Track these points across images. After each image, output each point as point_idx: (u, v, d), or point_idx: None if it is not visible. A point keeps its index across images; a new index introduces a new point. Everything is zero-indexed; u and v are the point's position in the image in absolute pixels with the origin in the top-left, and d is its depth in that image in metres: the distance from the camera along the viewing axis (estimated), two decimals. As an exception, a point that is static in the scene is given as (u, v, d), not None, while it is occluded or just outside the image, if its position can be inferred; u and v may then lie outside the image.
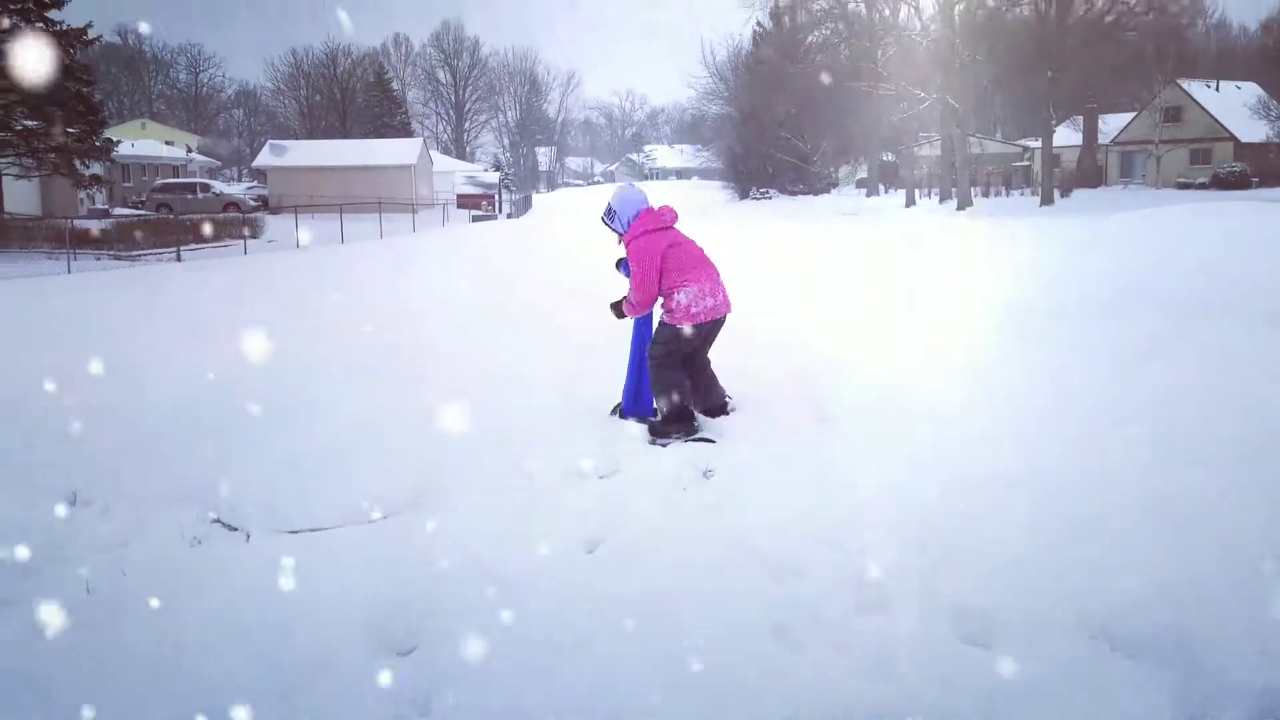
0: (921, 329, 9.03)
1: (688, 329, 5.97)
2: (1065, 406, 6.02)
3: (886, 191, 58.14)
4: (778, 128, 59.67)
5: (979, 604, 3.75)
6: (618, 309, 6.31)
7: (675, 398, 5.95)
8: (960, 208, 40.26)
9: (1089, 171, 51.64)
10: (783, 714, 3.20)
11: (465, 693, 3.35)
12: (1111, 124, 55.66)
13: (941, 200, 46.31)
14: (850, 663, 3.45)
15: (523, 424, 6.30)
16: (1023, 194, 49.24)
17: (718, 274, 6.19)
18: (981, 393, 6.50)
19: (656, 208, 6.19)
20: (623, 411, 6.45)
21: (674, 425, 5.99)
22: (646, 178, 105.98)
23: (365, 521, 5.00)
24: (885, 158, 60.23)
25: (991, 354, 7.59)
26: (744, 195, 64.38)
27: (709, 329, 6.10)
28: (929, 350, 7.98)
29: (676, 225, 6.22)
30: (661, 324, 6.11)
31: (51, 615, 3.97)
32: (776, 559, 4.23)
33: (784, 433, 6.03)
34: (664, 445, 5.87)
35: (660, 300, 6.10)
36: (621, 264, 6.47)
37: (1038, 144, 48.12)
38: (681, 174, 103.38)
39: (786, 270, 16.21)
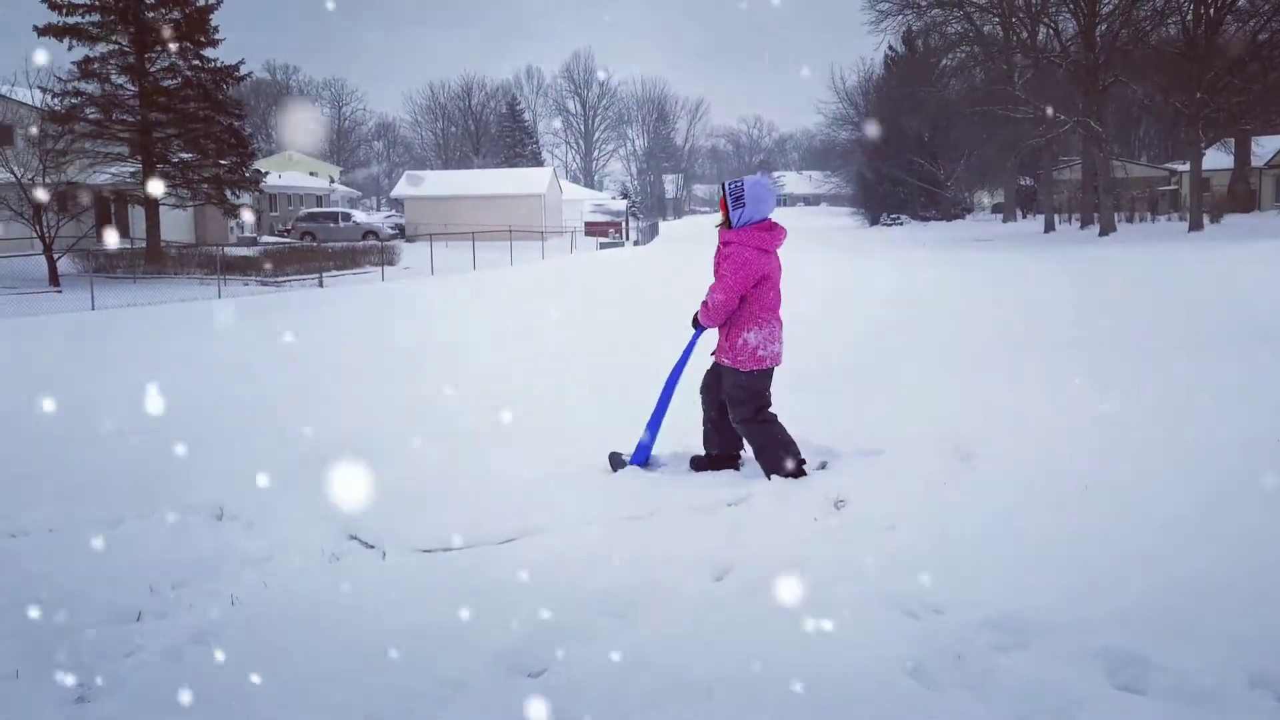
0: (1064, 363, 8.69)
1: (749, 376, 5.58)
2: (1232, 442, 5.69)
3: (1024, 216, 56.53)
4: (910, 152, 58.74)
5: (1135, 649, 3.53)
6: (696, 320, 5.84)
7: (780, 453, 5.62)
8: (1103, 233, 38.83)
9: (1241, 196, 49.20)
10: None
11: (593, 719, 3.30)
12: (1266, 147, 52.94)
13: (1082, 226, 44.77)
14: (991, 705, 3.29)
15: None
16: (1169, 219, 47.20)
17: (781, 323, 5.80)
18: (1131, 434, 6.19)
19: (776, 227, 5.72)
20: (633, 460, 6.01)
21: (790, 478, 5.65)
22: (775, 204, 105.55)
23: (495, 543, 5.04)
24: (1023, 182, 58.61)
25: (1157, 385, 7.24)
26: (874, 221, 63.56)
27: (769, 377, 5.72)
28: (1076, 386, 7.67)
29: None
30: (726, 375, 5.68)
31: (199, 627, 4.09)
32: (912, 593, 4.09)
33: (923, 467, 5.87)
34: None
35: (722, 333, 5.70)
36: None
37: (1185, 167, 46.13)
38: (810, 200, 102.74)
39: (924, 301, 15.87)
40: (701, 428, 6.02)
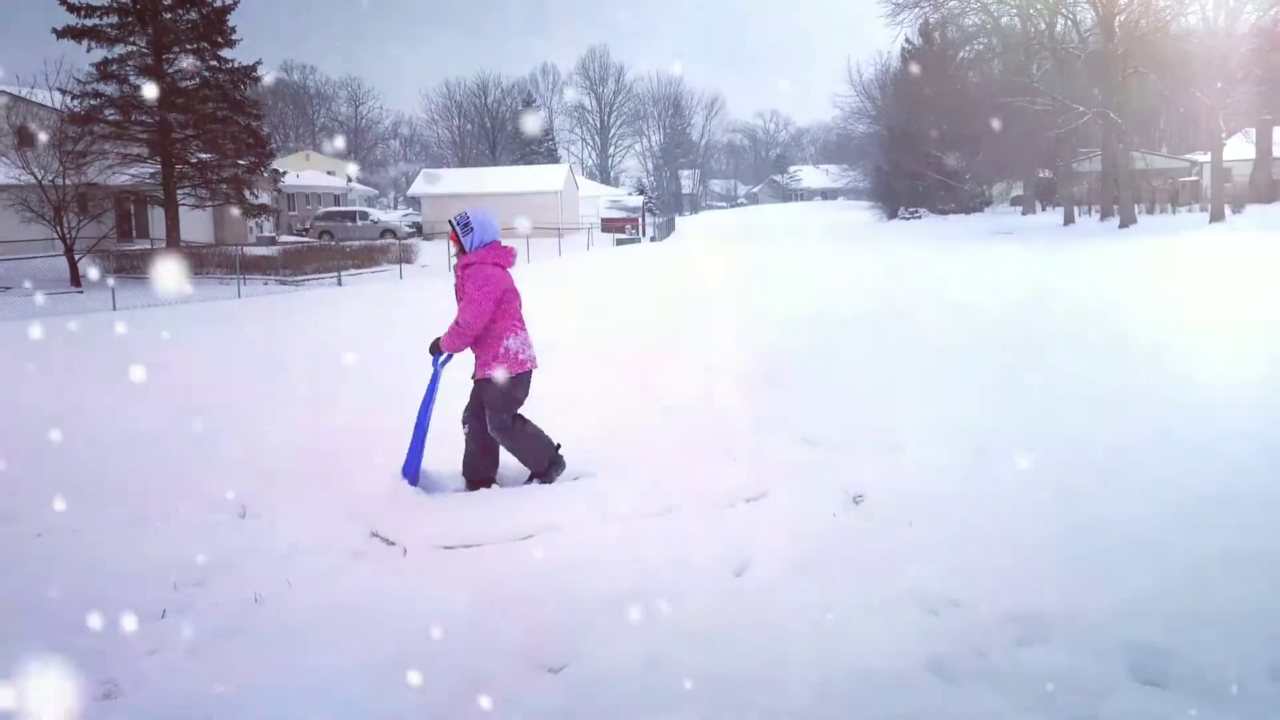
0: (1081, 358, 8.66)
1: (512, 381, 5.76)
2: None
3: (1043, 209, 56.19)
4: (927, 145, 58.48)
5: (1158, 643, 3.52)
6: (436, 346, 5.93)
7: (540, 448, 5.87)
8: (1123, 225, 38.55)
9: (1263, 186, 48.67)
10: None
11: (614, 716, 3.33)
12: (1289, 136, 52.34)
13: (1102, 218, 44.42)
14: (1013, 699, 3.28)
15: (668, 448, 6.27)
16: (1190, 210, 46.79)
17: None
18: (1146, 420, 6.17)
19: (507, 248, 5.97)
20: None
21: (553, 468, 5.90)
22: (791, 198, 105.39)
23: (515, 540, 5.06)
24: (1042, 174, 58.24)
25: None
26: (892, 215, 63.24)
27: (528, 381, 5.90)
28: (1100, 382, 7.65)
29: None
30: (488, 388, 5.81)
31: (223, 624, 4.13)
32: (932, 589, 4.09)
33: (940, 462, 5.86)
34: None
35: (479, 350, 5.83)
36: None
37: (1206, 158, 45.73)
38: (827, 194, 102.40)
39: (939, 294, 15.80)
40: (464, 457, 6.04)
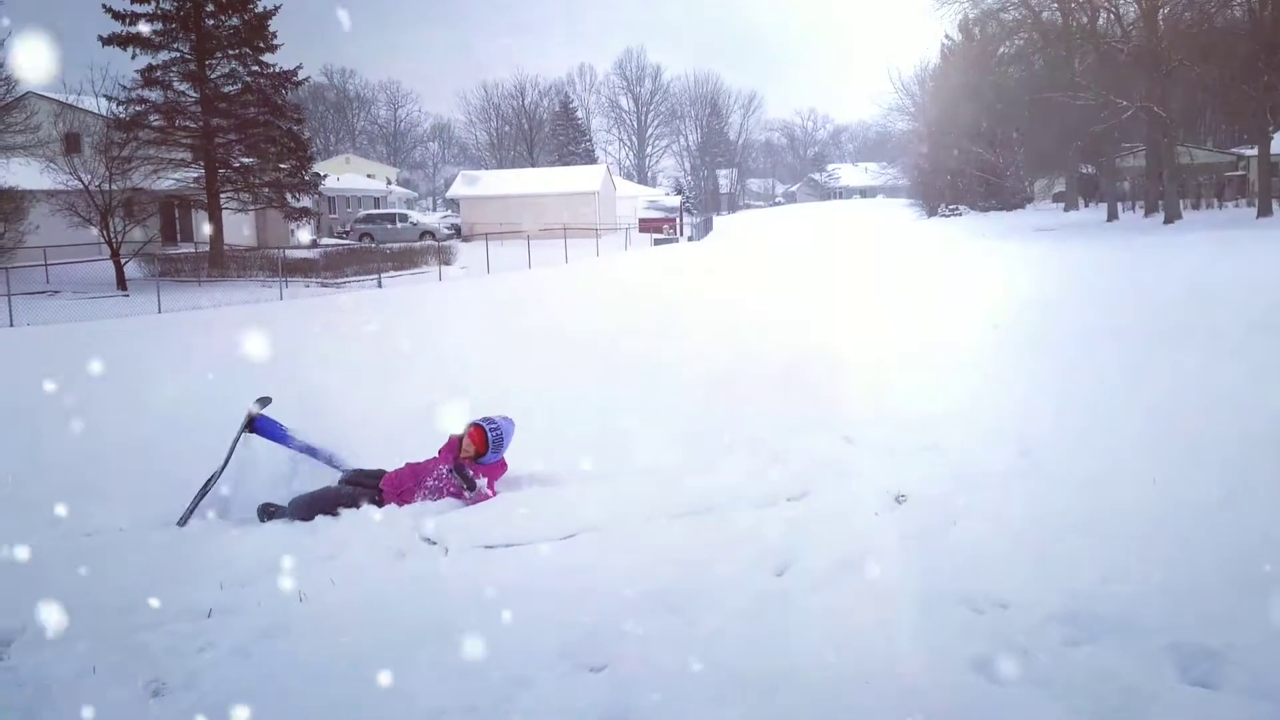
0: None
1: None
2: None
3: (1086, 205, 55.49)
4: (968, 142, 57.94)
5: (1208, 644, 3.45)
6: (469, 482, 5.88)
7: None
8: (1168, 221, 37.95)
9: (1312, 180, 47.74)
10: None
11: (656, 714, 3.32)
12: (1340, 129, 51.25)
13: (1147, 213, 43.80)
14: (1060, 701, 3.23)
15: (708, 449, 6.26)
16: (1236, 205, 45.99)
17: None
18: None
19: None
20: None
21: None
22: (830, 197, 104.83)
23: (556, 539, 5.07)
24: (1084, 170, 57.52)
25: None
26: (932, 212, 62.72)
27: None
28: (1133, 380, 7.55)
29: None
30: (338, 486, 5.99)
31: (268, 623, 4.17)
32: (977, 589, 4.05)
33: (984, 461, 5.80)
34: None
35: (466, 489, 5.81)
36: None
37: (1253, 152, 44.92)
38: (866, 192, 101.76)
39: (978, 290, 15.66)
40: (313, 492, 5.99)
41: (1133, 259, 21.60)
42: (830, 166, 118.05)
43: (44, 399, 9.12)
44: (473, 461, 5.90)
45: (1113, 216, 44.26)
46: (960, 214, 59.75)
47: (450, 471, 5.63)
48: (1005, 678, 3.39)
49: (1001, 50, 52.87)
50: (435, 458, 6.00)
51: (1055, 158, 54.16)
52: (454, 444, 6.01)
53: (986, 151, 58.32)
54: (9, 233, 29.09)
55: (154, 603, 4.37)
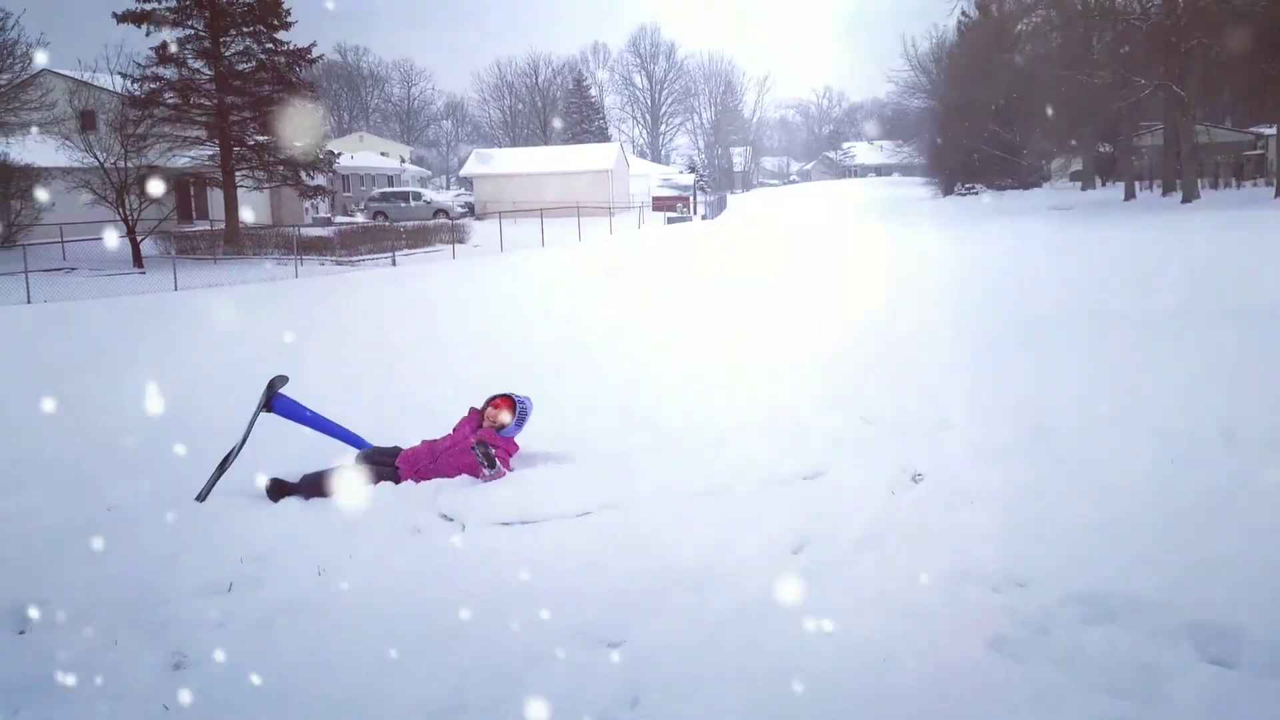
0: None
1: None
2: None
3: (1103, 184, 55.07)
4: (984, 120, 57.50)
5: (1227, 622, 3.45)
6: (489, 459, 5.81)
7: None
8: (1185, 200, 37.65)
9: (1331, 160, 47.25)
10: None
11: (672, 691, 3.33)
12: (1358, 109, 50.58)
13: (1164, 193, 43.44)
14: (1077, 678, 3.24)
15: (724, 427, 6.26)
16: (1255, 185, 45.56)
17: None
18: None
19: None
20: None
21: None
22: (845, 175, 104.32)
23: (572, 516, 5.08)
24: (1101, 149, 57.05)
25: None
26: (947, 191, 62.32)
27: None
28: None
29: None
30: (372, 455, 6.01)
31: (287, 598, 4.21)
32: (994, 567, 4.04)
33: (999, 441, 5.78)
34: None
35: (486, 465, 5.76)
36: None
37: (1272, 131, 44.48)
38: (881, 171, 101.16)
39: (995, 271, 15.60)
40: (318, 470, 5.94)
41: (1152, 239, 21.47)
42: (845, 145, 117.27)
43: (61, 376, 9.20)
44: (495, 433, 5.93)
45: (1130, 196, 43.95)
46: (977, 192, 59.37)
47: (474, 447, 5.65)
48: (1023, 656, 3.39)
49: (1019, 28, 52.39)
50: (451, 434, 6.03)
51: (1072, 136, 53.72)
52: (474, 418, 6.04)
53: (1003, 130, 57.86)
54: (25, 210, 29.22)
55: (174, 577, 4.41)
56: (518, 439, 6.06)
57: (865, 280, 15.47)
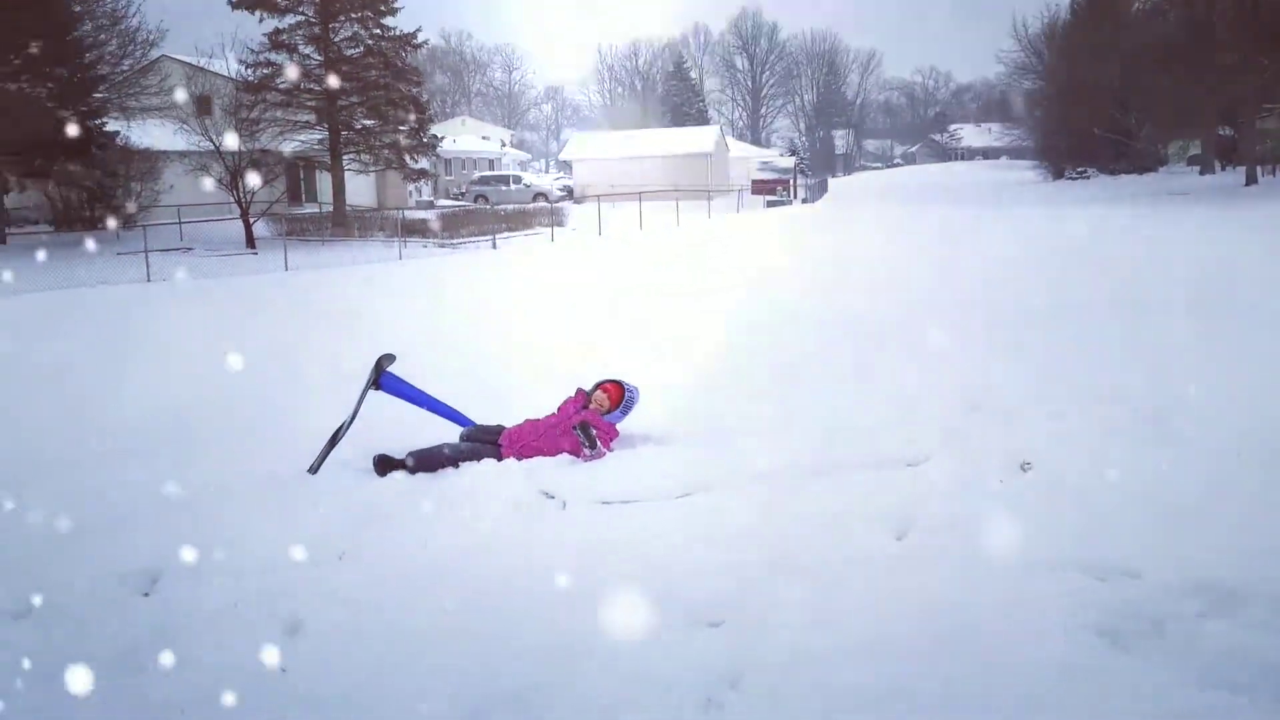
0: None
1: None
2: None
3: (1222, 169, 52.84)
4: (1097, 102, 55.59)
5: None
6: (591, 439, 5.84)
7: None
8: (1312, 185, 35.93)
9: None
10: (1102, 718, 2.96)
11: (774, 671, 3.32)
12: None
13: (1290, 177, 41.52)
14: (1189, 671, 3.14)
15: (827, 410, 6.21)
16: (1392, 168, 43.25)
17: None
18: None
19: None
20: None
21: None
22: (950, 158, 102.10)
23: (672, 498, 5.11)
24: (1222, 132, 54.73)
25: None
26: (1058, 175, 60.55)
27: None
28: None
29: None
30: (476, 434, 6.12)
31: (393, 568, 4.32)
32: (1105, 557, 3.95)
33: (1111, 429, 5.62)
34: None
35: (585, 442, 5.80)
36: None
37: None
38: (989, 154, 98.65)
39: (1105, 257, 15.11)
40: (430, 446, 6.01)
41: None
42: (952, 127, 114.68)
43: (181, 353, 9.56)
44: (599, 416, 5.99)
45: (1251, 181, 42.10)
46: (1089, 176, 57.56)
47: (576, 427, 5.72)
48: (1135, 648, 3.31)
49: (1135, 5, 50.56)
50: (555, 414, 6.10)
51: (1190, 119, 51.63)
52: (580, 399, 6.11)
53: (1117, 112, 55.90)
54: (145, 192, 30.38)
55: (288, 545, 4.56)
56: (620, 425, 6.11)
57: (971, 263, 15.15)
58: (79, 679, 3.44)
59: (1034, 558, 3.97)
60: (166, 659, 3.59)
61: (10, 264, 18.77)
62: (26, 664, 3.55)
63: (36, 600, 4.07)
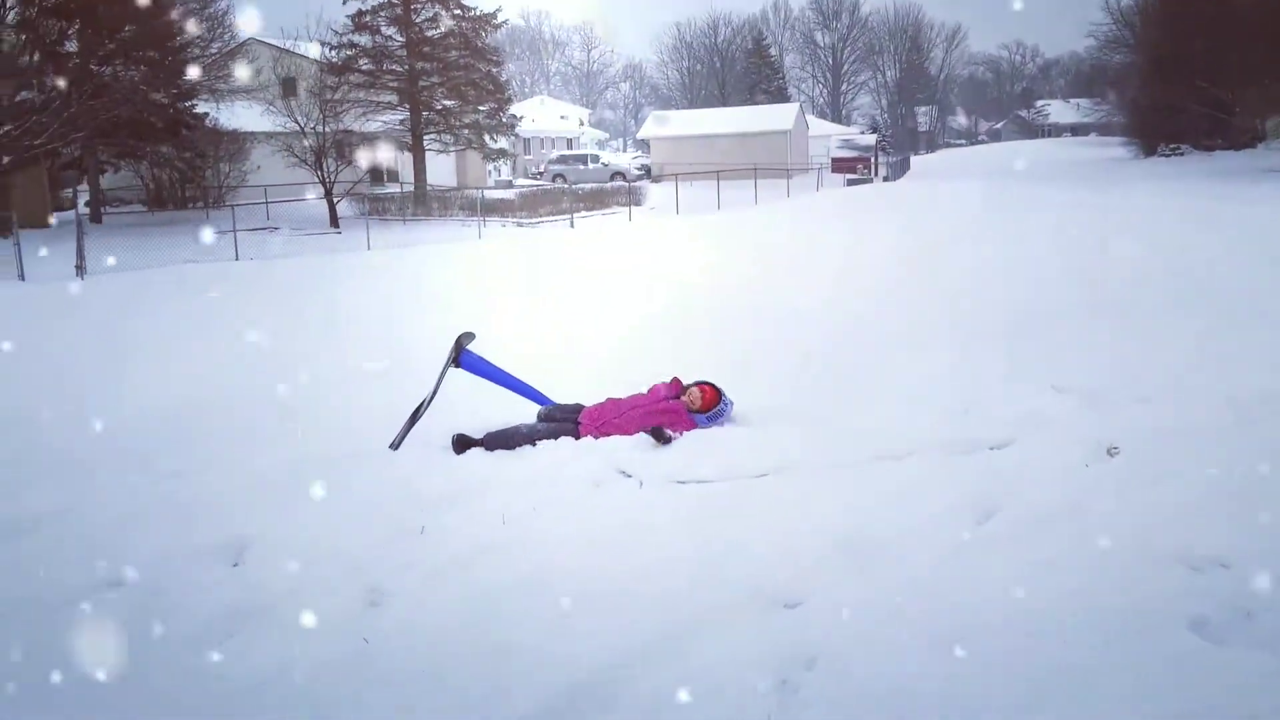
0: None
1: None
2: None
3: (1326, 144, 50.69)
4: (1192, 75, 53.67)
5: None
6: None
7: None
8: None
9: None
10: (1193, 710, 2.87)
11: (850, 653, 3.30)
12: None
13: (1399, 153, 39.72)
14: (1286, 664, 3.01)
15: (906, 394, 6.12)
16: None
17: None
18: None
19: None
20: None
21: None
22: (1037, 135, 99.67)
23: (749, 478, 5.08)
24: (1325, 105, 52.44)
25: None
26: (1150, 152, 58.66)
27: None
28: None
29: None
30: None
31: (475, 543, 4.38)
32: (1195, 546, 3.82)
33: (1197, 415, 5.44)
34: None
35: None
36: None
37: None
38: (1077, 130, 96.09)
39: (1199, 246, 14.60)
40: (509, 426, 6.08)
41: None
42: (1039, 103, 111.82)
43: (268, 332, 9.78)
44: (685, 411, 5.98)
45: (1359, 156, 40.38)
46: (1182, 154, 55.69)
47: (649, 430, 5.71)
48: (1226, 639, 3.21)
49: (1235, -27, 48.59)
50: (645, 395, 6.09)
51: (1292, 91, 49.57)
52: (675, 387, 6.08)
53: (1213, 86, 53.92)
54: (234, 172, 31.11)
55: (370, 519, 4.65)
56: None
57: (1059, 247, 14.73)
58: (171, 646, 3.56)
59: (1121, 545, 3.86)
60: (251, 629, 3.69)
61: (107, 242, 19.41)
62: (123, 631, 3.68)
63: (130, 572, 4.21)
